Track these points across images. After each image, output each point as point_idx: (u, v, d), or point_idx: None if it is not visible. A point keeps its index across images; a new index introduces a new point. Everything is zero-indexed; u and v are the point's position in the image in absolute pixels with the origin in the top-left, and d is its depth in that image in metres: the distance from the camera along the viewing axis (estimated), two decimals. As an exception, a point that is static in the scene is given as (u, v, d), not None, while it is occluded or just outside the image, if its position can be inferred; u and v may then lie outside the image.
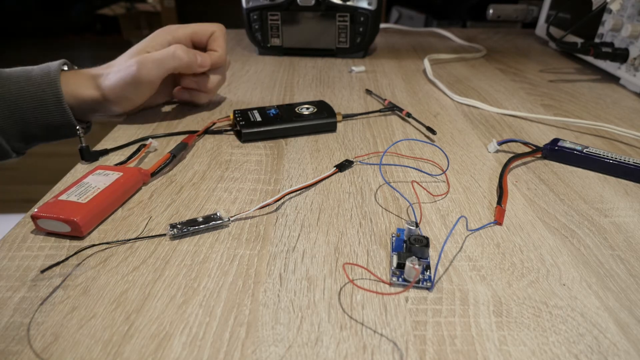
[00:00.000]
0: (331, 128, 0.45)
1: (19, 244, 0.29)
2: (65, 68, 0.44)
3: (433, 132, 0.44)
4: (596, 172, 0.38)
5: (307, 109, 0.46)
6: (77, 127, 0.39)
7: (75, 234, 0.29)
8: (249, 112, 0.45)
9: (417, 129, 0.46)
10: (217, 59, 0.47)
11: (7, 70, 0.42)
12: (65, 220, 0.29)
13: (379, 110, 0.50)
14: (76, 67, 0.46)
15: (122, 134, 0.44)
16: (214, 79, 0.48)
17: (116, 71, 0.43)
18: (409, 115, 0.48)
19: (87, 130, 0.47)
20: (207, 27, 0.47)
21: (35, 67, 0.42)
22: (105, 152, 0.40)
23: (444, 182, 0.37)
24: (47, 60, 0.44)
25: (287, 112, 0.45)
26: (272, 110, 0.46)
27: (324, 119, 0.44)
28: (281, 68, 0.67)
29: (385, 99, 0.52)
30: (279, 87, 0.58)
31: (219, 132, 0.45)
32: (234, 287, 0.26)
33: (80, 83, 0.43)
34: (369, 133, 0.45)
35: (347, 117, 0.48)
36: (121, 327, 0.23)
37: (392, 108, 0.50)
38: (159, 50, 0.43)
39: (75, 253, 0.28)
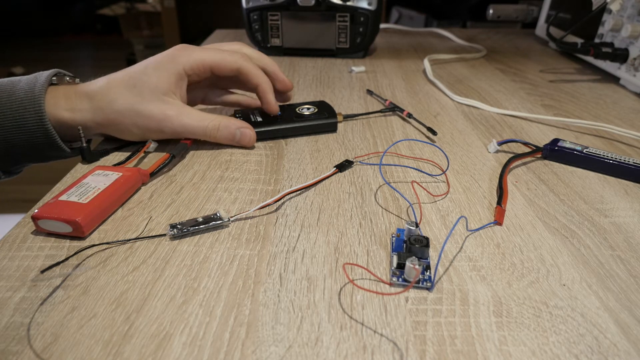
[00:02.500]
0: (332, 128, 0.45)
1: (19, 244, 0.29)
2: (55, 80, 0.38)
3: (434, 132, 0.44)
4: (596, 172, 0.38)
5: (308, 109, 0.46)
6: (79, 127, 0.38)
7: (77, 235, 0.29)
8: (249, 113, 0.45)
9: (417, 129, 0.46)
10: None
11: None
12: (67, 221, 0.29)
13: (380, 111, 0.50)
14: (68, 78, 0.39)
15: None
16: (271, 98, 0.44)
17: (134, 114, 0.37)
18: (409, 115, 0.48)
19: (88, 142, 0.41)
20: (229, 64, 0.41)
21: (23, 78, 0.37)
22: (106, 152, 0.40)
23: (444, 182, 0.37)
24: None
25: (288, 112, 0.45)
26: None
27: (324, 119, 0.44)
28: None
29: (386, 100, 0.52)
30: (279, 87, 0.58)
31: (219, 132, 0.45)
32: (234, 287, 0.26)
33: (74, 105, 0.37)
34: (369, 133, 0.45)
35: (348, 117, 0.48)
36: (121, 327, 0.23)
37: (393, 108, 0.50)
38: (194, 121, 0.39)
39: (75, 253, 0.28)
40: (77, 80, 0.40)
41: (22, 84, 0.37)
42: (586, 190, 0.36)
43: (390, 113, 0.50)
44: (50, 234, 0.30)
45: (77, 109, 0.37)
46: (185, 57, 0.39)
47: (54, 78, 0.38)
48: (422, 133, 0.46)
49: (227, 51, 0.42)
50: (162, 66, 0.39)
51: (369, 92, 0.56)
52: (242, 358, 0.21)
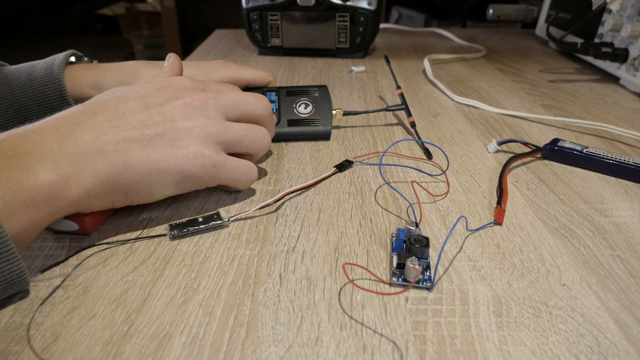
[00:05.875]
0: (324, 138, 0.44)
1: (19, 244, 0.29)
2: (73, 59, 0.41)
3: (429, 156, 0.41)
4: (596, 172, 0.38)
5: (306, 106, 0.44)
6: None
7: (83, 233, 0.29)
8: None
9: (417, 131, 0.46)
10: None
11: (13, 66, 0.40)
12: (74, 219, 0.28)
13: (386, 109, 0.47)
14: (86, 59, 0.43)
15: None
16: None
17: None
18: (413, 125, 0.45)
19: None
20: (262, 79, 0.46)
21: (40, 61, 0.40)
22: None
23: (444, 182, 0.37)
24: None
25: (285, 105, 0.44)
26: (271, 95, 0.44)
27: (319, 125, 0.43)
28: (281, 68, 0.67)
29: (399, 87, 0.49)
30: (279, 87, 0.58)
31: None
32: (234, 287, 0.26)
33: (95, 81, 0.39)
34: (368, 133, 0.45)
35: (347, 114, 0.46)
36: (121, 327, 0.23)
37: (401, 108, 0.46)
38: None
39: (75, 253, 0.28)
40: (95, 61, 0.43)
41: (41, 64, 0.39)
42: (586, 190, 0.36)
43: (390, 113, 0.50)
44: (50, 233, 0.30)
45: (98, 86, 0.39)
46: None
47: (72, 58, 0.41)
48: (422, 133, 0.45)
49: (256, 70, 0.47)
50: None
51: (387, 60, 0.53)
52: (242, 358, 0.21)
